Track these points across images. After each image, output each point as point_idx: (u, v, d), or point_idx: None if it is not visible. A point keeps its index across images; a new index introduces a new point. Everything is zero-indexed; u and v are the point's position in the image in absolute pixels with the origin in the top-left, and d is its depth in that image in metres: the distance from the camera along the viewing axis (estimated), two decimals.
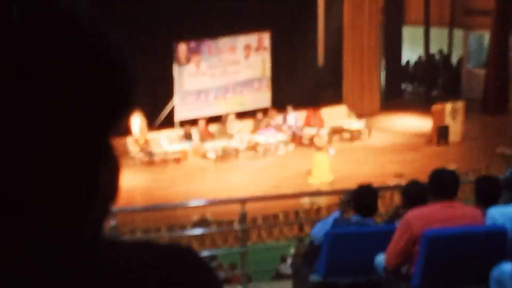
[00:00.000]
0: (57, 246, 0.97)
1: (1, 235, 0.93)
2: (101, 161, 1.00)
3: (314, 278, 7.26)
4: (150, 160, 22.02)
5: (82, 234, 1.00)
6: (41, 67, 0.92)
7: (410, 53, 31.11)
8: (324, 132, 23.31)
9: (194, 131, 23.27)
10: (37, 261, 0.96)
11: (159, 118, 23.41)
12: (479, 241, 6.00)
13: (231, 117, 23.88)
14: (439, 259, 6.04)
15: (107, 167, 1.02)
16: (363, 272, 7.01)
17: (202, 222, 17.46)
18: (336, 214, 7.80)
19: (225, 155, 22.91)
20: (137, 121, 22.62)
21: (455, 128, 24.34)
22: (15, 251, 0.94)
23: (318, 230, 7.58)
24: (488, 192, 6.85)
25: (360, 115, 26.03)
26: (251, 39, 25.00)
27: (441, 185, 6.33)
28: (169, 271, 1.08)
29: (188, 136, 23.02)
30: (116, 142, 1.02)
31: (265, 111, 24.79)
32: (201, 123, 23.49)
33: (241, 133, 23.62)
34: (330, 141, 23.29)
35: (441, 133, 23.95)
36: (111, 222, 9.16)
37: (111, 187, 1.04)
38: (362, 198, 7.44)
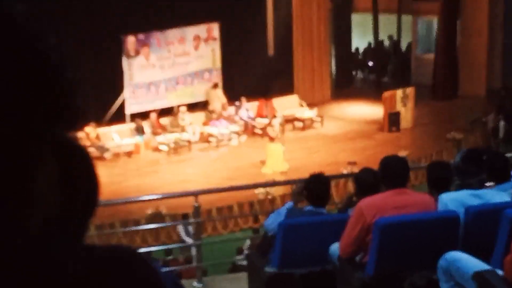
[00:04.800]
0: None
1: None
2: (36, 164, 0.97)
3: (269, 269, 7.25)
4: (101, 155, 21.83)
5: (20, 238, 0.97)
6: None
7: (360, 41, 31.28)
8: (277, 122, 23.37)
9: (146, 124, 23.15)
10: None
11: (109, 113, 23.24)
12: (431, 228, 6.05)
13: (183, 109, 23.80)
14: (392, 246, 6.07)
15: (45, 171, 0.98)
16: (318, 262, 7.02)
17: (156, 216, 17.39)
18: (289, 204, 7.80)
19: (177, 148, 22.84)
20: (217, 93, 23.61)
21: (406, 115, 24.56)
22: None
23: (272, 221, 7.56)
24: (440, 178, 6.89)
25: (311, 104, 26.12)
26: (201, 29, 24.91)
27: (391, 173, 6.36)
28: (107, 274, 1.06)
29: (139, 130, 22.89)
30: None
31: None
32: (153, 116, 23.39)
33: (193, 125, 23.56)
34: (282, 130, 23.35)
35: (392, 120, 24.14)
36: None
37: (52, 192, 1.01)
38: (314, 187, 7.44)
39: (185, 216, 16.19)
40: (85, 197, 1.04)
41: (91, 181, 1.06)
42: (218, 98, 24.69)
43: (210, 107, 24.40)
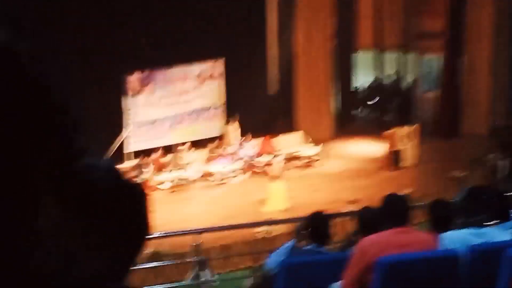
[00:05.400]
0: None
1: None
2: (37, 202, 0.97)
3: None
4: None
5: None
6: None
7: (363, 78, 31.35)
8: (278, 160, 23.34)
9: (148, 162, 23.15)
10: None
11: (110, 150, 23.23)
12: (433, 267, 6.02)
13: (185, 147, 23.83)
14: (394, 286, 6.04)
15: (47, 209, 0.99)
16: None
17: (155, 255, 17.27)
18: (290, 243, 7.78)
19: (179, 186, 22.81)
20: (234, 127, 24.32)
21: (408, 153, 24.55)
22: None
23: (273, 260, 7.54)
24: (441, 217, 6.89)
25: (314, 142, 26.13)
26: (204, 67, 25.02)
27: (393, 211, 6.35)
28: None
29: (141, 167, 22.88)
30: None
31: (219, 139, 24.83)
32: (155, 154, 23.41)
33: (195, 163, 23.55)
34: (284, 169, 23.32)
35: (395, 158, 24.14)
36: None
37: (55, 229, 1.01)
38: (315, 226, 7.44)
39: (201, 262, 16.06)
40: (113, 235, 1.04)
41: (123, 218, 1.05)
42: (232, 134, 24.82)
43: (225, 141, 24.72)
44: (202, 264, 15.61)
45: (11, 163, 0.92)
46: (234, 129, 25.07)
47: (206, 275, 15.24)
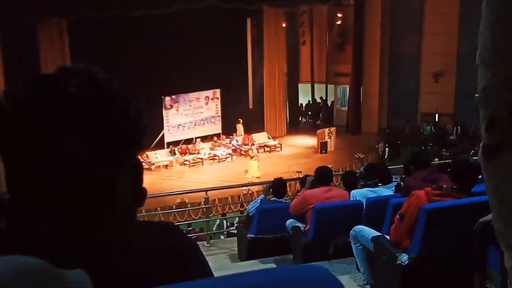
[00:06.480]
0: (80, 231, 0.91)
1: (36, 224, 0.88)
2: (119, 173, 0.94)
3: (249, 235, 7.22)
4: (149, 168, 21.69)
5: (104, 222, 0.93)
6: (92, 123, 0.88)
7: (303, 99, 31.34)
8: (254, 147, 23.34)
9: (176, 149, 23.07)
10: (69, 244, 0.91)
11: (154, 142, 23.11)
12: (347, 211, 6.05)
13: (198, 140, 23.75)
14: (323, 222, 6.06)
15: (124, 181, 0.96)
16: (279, 231, 7.00)
17: (182, 204, 17.26)
18: (261, 196, 7.78)
19: (195, 163, 22.74)
20: (240, 127, 24.11)
21: (331, 143, 24.62)
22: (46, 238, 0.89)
23: (251, 207, 7.54)
24: (350, 181, 6.92)
25: (274, 137, 26.12)
26: (209, 92, 24.91)
27: (322, 176, 6.37)
28: (164, 239, 1.06)
29: (172, 152, 22.80)
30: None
31: (218, 135, 24.72)
32: (180, 144, 23.32)
33: (204, 149, 23.49)
34: (258, 152, 23.32)
35: (323, 146, 24.20)
36: None
37: (131, 192, 0.98)
38: (277, 186, 7.45)
39: (223, 214, 15.86)
40: (141, 194, 1.03)
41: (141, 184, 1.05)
42: (239, 130, 24.66)
43: (237, 136, 24.42)
44: (223, 215, 15.51)
45: (105, 153, 0.91)
46: (240, 127, 24.85)
47: (224, 223, 15.14)
